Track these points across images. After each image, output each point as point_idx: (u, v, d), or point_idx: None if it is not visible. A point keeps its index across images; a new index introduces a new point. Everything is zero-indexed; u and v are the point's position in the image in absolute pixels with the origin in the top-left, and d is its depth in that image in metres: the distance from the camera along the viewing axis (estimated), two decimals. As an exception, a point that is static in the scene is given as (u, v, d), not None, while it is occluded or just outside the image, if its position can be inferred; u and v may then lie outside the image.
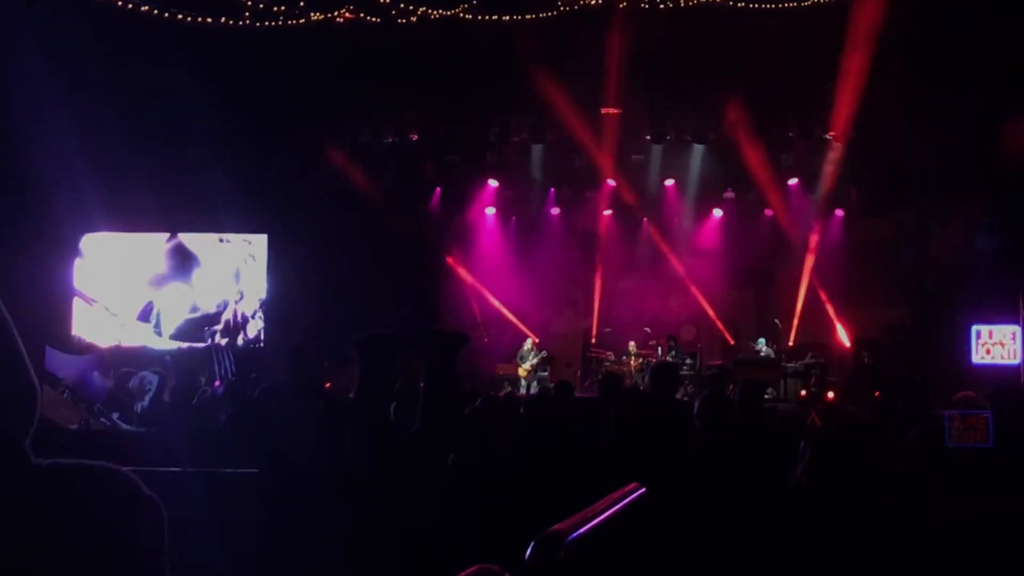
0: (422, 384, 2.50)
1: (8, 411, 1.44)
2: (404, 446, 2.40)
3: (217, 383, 10.61)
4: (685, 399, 14.47)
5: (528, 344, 18.20)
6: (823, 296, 18.33)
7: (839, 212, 18.45)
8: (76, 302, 16.57)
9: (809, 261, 18.44)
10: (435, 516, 2.33)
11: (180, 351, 16.32)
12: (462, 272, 19.49)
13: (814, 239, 18.60)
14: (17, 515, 1.39)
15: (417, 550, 2.33)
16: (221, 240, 17.25)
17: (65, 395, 8.94)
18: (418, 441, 2.39)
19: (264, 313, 17.02)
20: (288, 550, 3.85)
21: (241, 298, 17.10)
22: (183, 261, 17.08)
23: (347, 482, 3.95)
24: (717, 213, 19.30)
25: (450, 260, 19.62)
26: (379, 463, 2.44)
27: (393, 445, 2.39)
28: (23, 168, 13.25)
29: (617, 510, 2.37)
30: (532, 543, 1.84)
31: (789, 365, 16.92)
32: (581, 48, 16.24)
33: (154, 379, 9.12)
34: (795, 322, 18.24)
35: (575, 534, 1.96)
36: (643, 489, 2.75)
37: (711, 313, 19.15)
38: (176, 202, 16.25)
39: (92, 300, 16.64)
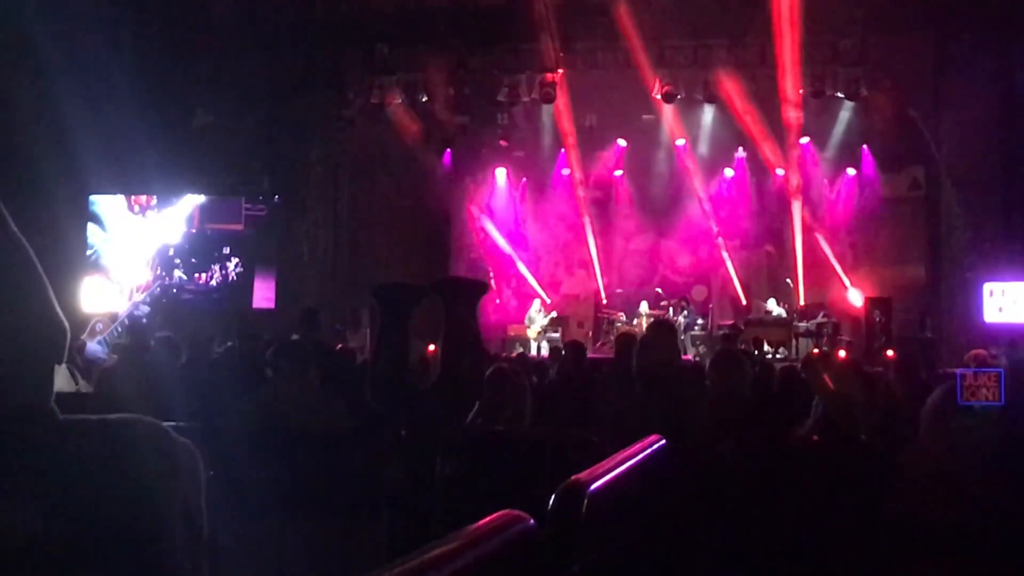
0: (440, 337, 2.49)
1: (39, 346, 1.41)
2: (423, 397, 2.39)
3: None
4: (697, 359, 14.58)
5: (536, 305, 18.19)
6: (835, 255, 18.24)
7: (851, 170, 18.32)
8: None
9: (821, 220, 18.36)
10: (454, 468, 2.34)
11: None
12: (473, 234, 19.46)
13: (826, 197, 18.50)
14: (53, 472, 1.35)
15: (435, 502, 2.34)
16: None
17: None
18: (437, 392, 2.38)
19: (276, 275, 16.86)
20: (293, 507, 3.86)
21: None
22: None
23: (354, 438, 3.96)
24: (728, 173, 19.19)
25: (461, 222, 19.59)
26: (397, 415, 2.45)
27: (411, 396, 2.39)
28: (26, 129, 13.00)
29: (639, 461, 2.37)
30: (555, 493, 1.84)
31: (801, 325, 16.87)
32: (591, 9, 16.10)
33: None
34: (806, 281, 18.16)
35: (597, 484, 1.96)
36: (664, 441, 2.75)
37: (723, 273, 19.09)
38: (187, 164, 16.13)
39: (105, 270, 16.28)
